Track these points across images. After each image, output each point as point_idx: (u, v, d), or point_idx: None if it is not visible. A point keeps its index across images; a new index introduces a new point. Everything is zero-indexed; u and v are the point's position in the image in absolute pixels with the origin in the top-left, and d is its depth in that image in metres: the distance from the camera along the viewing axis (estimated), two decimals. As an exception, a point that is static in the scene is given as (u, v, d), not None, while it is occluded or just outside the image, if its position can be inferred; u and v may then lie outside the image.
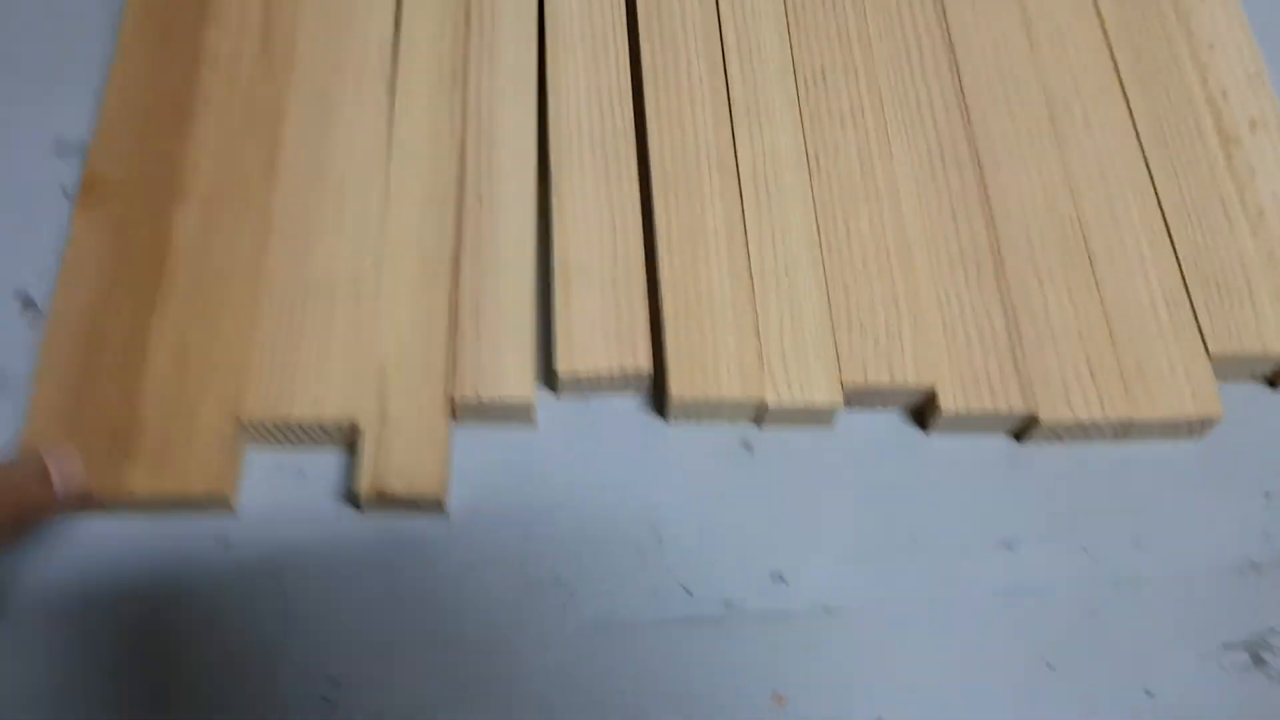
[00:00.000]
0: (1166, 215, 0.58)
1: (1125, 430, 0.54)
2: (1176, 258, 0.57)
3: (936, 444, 0.54)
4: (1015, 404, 0.53)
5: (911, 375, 0.53)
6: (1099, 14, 0.63)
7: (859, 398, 0.54)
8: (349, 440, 0.53)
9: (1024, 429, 0.54)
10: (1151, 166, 0.59)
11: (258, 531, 0.51)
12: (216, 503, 0.50)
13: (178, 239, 0.55)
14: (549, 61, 0.60)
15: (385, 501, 0.50)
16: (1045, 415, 0.53)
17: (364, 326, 0.53)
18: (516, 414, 0.53)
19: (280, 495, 0.52)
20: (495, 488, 0.52)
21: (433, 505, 0.51)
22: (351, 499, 0.51)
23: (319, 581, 0.50)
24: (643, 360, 0.53)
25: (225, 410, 0.51)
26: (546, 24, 0.61)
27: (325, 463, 0.53)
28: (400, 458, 0.51)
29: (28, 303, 0.55)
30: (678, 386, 0.53)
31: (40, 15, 0.63)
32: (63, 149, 0.58)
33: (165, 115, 0.58)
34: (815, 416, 0.54)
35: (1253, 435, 0.55)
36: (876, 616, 0.50)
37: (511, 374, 0.53)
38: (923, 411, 0.55)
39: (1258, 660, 0.50)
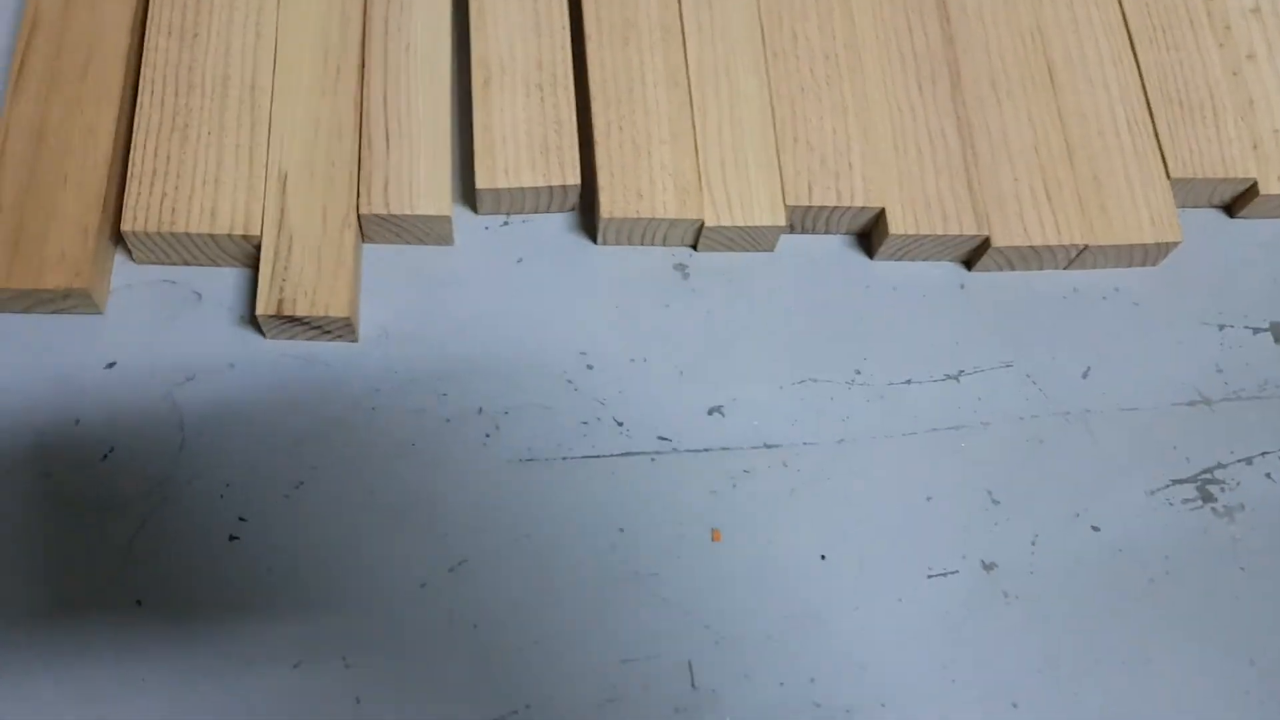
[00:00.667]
0: (1131, 28, 0.53)
1: (1080, 256, 0.50)
2: (1139, 73, 0.53)
3: (883, 270, 0.50)
4: (968, 227, 0.49)
5: (860, 196, 0.49)
6: None
7: (803, 220, 0.50)
8: (248, 257, 0.47)
9: (974, 255, 0.50)
10: (1116, -26, 0.54)
11: (147, 355, 0.45)
12: (79, 300, 0.45)
13: (32, 11, 0.48)
14: None
15: (289, 323, 0.45)
16: (998, 239, 0.49)
17: (260, 129, 0.47)
18: (433, 231, 0.48)
19: (175, 317, 0.46)
20: (410, 312, 0.47)
21: (342, 328, 0.46)
22: (254, 321, 0.46)
23: (220, 410, 0.45)
24: (570, 175, 0.48)
25: (88, 203, 0.45)
26: None
27: (224, 281, 0.47)
28: (304, 275, 0.45)
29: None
30: (608, 206, 0.48)
31: None
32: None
33: None
34: (756, 239, 0.49)
35: (1208, 264, 0.52)
36: (817, 451, 0.47)
37: (426, 187, 0.47)
38: (869, 235, 0.51)
39: (1206, 496, 0.47)
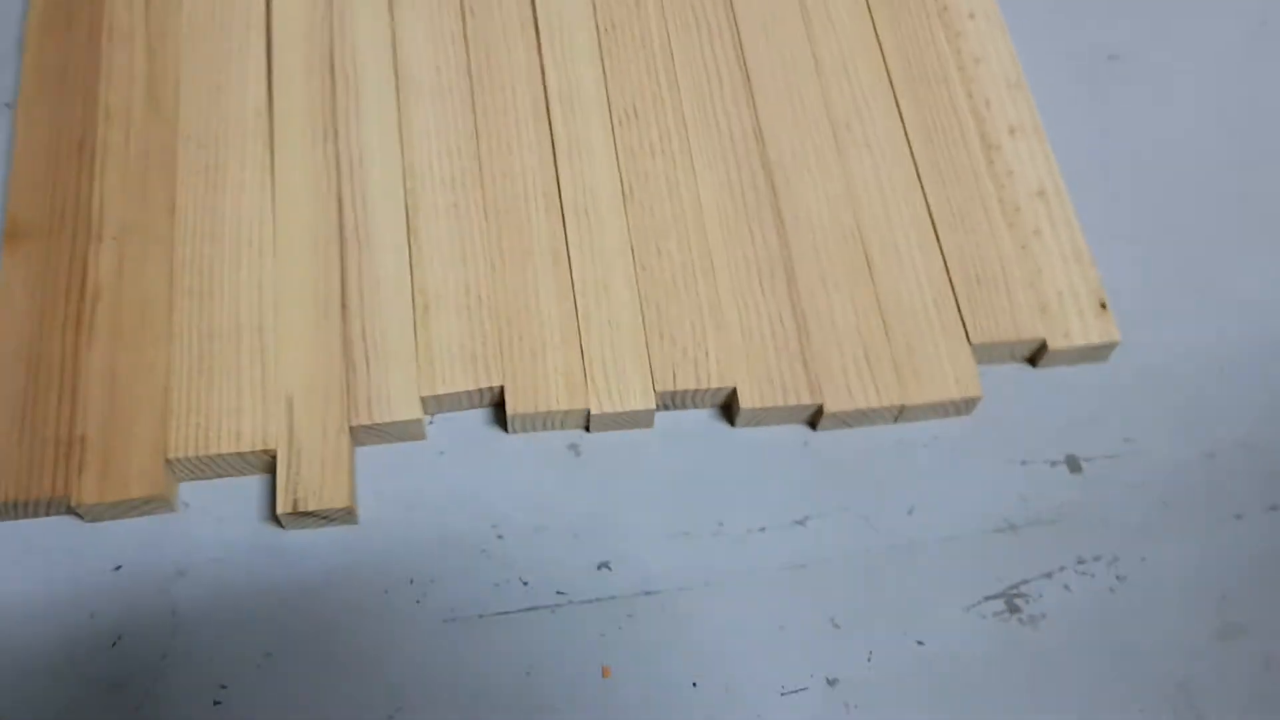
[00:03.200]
0: (934, 218, 0.60)
1: (902, 412, 0.56)
2: (943, 256, 0.59)
3: (742, 436, 0.57)
4: (804, 398, 0.55)
5: (715, 379, 0.55)
6: (877, 37, 0.65)
7: (672, 400, 0.56)
8: (267, 466, 0.54)
9: (815, 417, 0.56)
10: (922, 175, 0.61)
11: (154, 553, 0.52)
12: (158, 504, 0.52)
13: (95, 276, 0.56)
14: (402, 112, 0.60)
15: (303, 517, 0.52)
16: (830, 406, 0.55)
17: (269, 364, 0.55)
18: (408, 432, 0.55)
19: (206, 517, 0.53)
20: (378, 500, 0.54)
21: (344, 515, 0.52)
22: (274, 517, 0.53)
23: (208, 595, 0.51)
24: (495, 378, 0.55)
25: (155, 425, 0.53)
26: (399, 79, 0.61)
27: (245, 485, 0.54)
28: (311, 477, 0.52)
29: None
30: (513, 403, 0.54)
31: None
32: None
33: (71, 162, 0.58)
34: (635, 420, 0.56)
35: (1013, 410, 0.58)
36: (689, 594, 0.53)
37: (398, 397, 0.54)
38: (729, 407, 0.57)
39: (1013, 608, 0.53)
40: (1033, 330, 0.57)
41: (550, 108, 0.61)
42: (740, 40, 0.64)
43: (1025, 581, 0.54)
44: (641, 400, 0.55)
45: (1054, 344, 0.57)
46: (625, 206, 0.59)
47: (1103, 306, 0.58)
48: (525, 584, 0.52)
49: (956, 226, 0.60)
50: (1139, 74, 0.68)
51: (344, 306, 0.56)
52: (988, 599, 0.53)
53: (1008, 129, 0.63)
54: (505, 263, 0.57)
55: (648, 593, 0.53)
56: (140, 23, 0.62)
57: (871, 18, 0.65)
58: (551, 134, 0.61)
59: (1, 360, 0.54)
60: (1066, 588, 0.54)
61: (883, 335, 0.57)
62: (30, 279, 0.55)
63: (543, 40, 0.63)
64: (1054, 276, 0.59)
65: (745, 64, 0.63)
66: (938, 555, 0.54)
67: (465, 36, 0.63)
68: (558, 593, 0.52)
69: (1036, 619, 0.53)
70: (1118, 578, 0.54)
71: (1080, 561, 0.54)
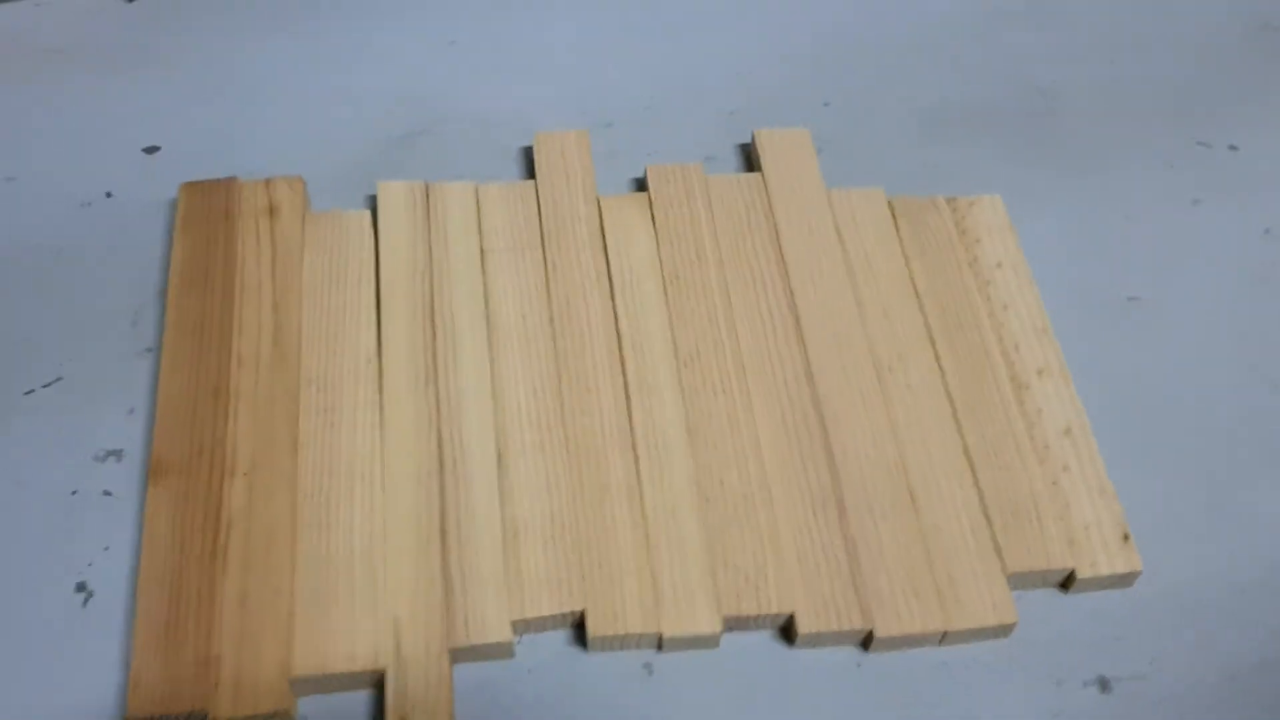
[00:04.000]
0: (970, 454, 0.66)
1: (945, 637, 0.62)
2: (979, 490, 0.65)
3: (799, 656, 0.62)
4: (856, 622, 0.61)
5: (774, 604, 0.61)
6: (914, 286, 0.73)
7: (736, 624, 0.62)
8: (377, 682, 0.60)
9: (867, 640, 0.62)
10: (959, 413, 0.68)
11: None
12: (282, 718, 0.58)
13: (228, 508, 0.63)
14: (493, 356, 0.69)
15: None
16: (880, 631, 0.61)
17: (378, 590, 0.61)
18: (499, 651, 0.61)
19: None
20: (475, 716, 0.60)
21: None
22: None
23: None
24: (578, 603, 0.61)
25: (281, 645, 0.59)
26: (490, 325, 0.70)
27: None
28: (416, 696, 0.58)
29: (80, 586, 0.63)
30: (593, 626, 0.61)
31: (80, 343, 0.71)
32: (101, 457, 0.67)
33: (207, 405, 0.67)
34: (703, 641, 0.62)
35: (1046, 633, 0.63)
36: (754, 807, 0.58)
37: (491, 620, 0.61)
38: (788, 629, 0.63)
39: (1052, 823, 0.58)
40: (1063, 560, 0.63)
41: (623, 352, 0.69)
42: (791, 290, 0.72)
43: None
44: (708, 624, 0.61)
45: (1082, 573, 0.63)
46: (691, 442, 0.66)
47: (1125, 538, 0.64)
48: (606, 799, 0.58)
49: (991, 462, 0.66)
50: (1156, 312, 0.75)
51: (443, 535, 0.63)
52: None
53: (1036, 370, 0.70)
54: (584, 495, 0.65)
55: (716, 806, 0.58)
56: (268, 279, 0.71)
57: (909, 268, 0.73)
58: (625, 375, 0.69)
59: (147, 585, 0.61)
60: (1102, 805, 0.58)
61: (926, 564, 0.63)
62: (172, 511, 0.63)
63: (615, 289, 0.71)
64: (1081, 510, 0.65)
65: (796, 311, 0.71)
66: (981, 772, 0.59)
67: (547, 288, 0.72)
68: (633, 806, 0.58)
69: (1074, 835, 0.57)
70: (1150, 795, 0.59)
71: (1114, 780, 0.59)
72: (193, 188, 0.75)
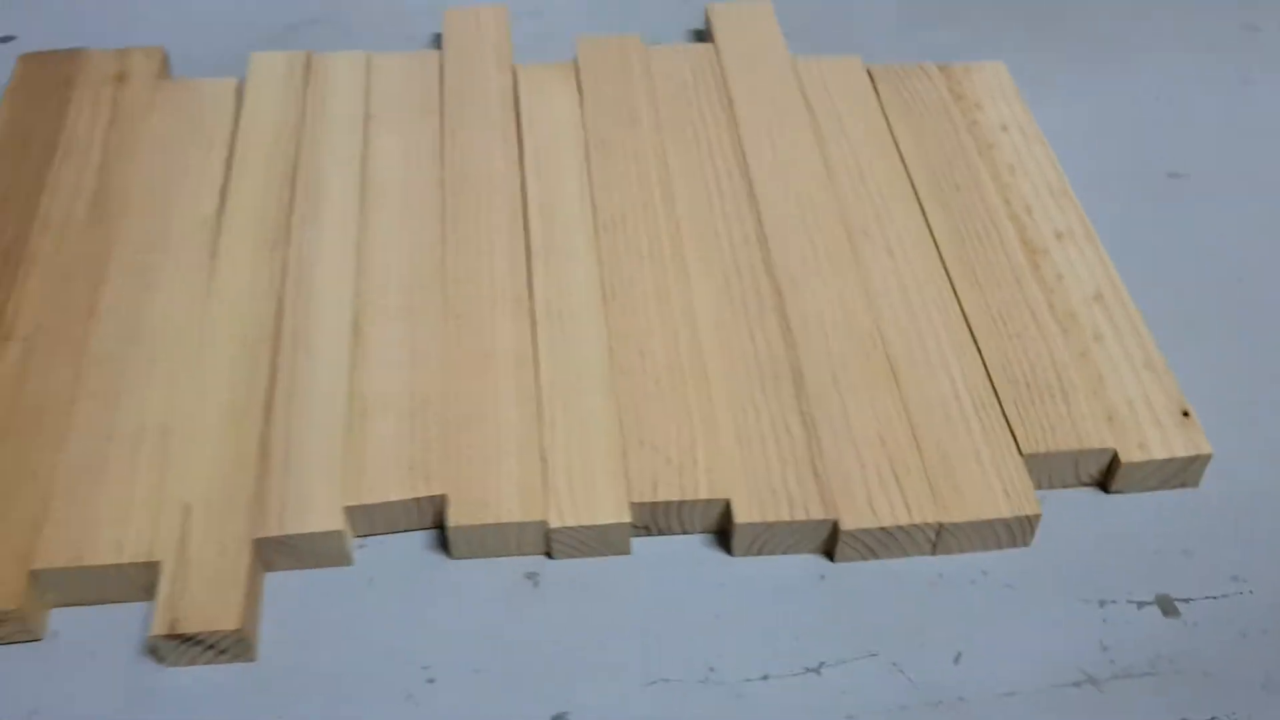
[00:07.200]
0: (970, 323, 0.51)
1: (939, 538, 0.45)
2: (983, 362, 0.50)
3: (741, 566, 0.46)
4: (815, 512, 0.45)
5: (704, 489, 0.46)
6: (897, 146, 0.59)
7: (653, 519, 0.46)
8: (153, 589, 0.44)
9: (831, 543, 0.46)
10: (954, 280, 0.53)
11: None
12: (18, 626, 0.43)
13: None
14: (364, 220, 0.55)
15: (185, 646, 0.42)
16: (848, 523, 0.45)
17: (170, 470, 0.47)
18: (327, 550, 0.45)
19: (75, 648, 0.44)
20: (285, 633, 0.44)
21: (236, 644, 0.43)
22: (151, 649, 0.43)
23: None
24: (435, 487, 0.46)
25: (26, 531, 0.45)
26: (365, 188, 0.57)
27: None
28: (199, 595, 0.43)
29: None
30: (455, 515, 0.45)
31: None
32: None
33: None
34: (607, 541, 0.46)
35: (1085, 542, 0.47)
36: (665, 753, 0.40)
37: (317, 507, 0.45)
38: (726, 532, 0.46)
39: (1100, 781, 0.40)
40: (1099, 439, 0.47)
41: (528, 216, 0.55)
42: (744, 152, 0.58)
43: (1104, 748, 0.41)
44: (613, 513, 0.45)
45: (1128, 457, 0.47)
46: (605, 310, 0.52)
47: (1185, 414, 0.48)
48: (451, 737, 0.41)
49: (998, 331, 0.51)
50: (1203, 187, 0.61)
51: (267, 410, 0.48)
52: (1065, 771, 0.40)
53: (1054, 234, 0.55)
54: (460, 366, 0.50)
55: (611, 751, 0.41)
56: (99, 142, 0.59)
57: (890, 130, 0.60)
58: (528, 240, 0.54)
59: None
60: (1173, 757, 0.40)
61: (912, 445, 0.47)
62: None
63: (525, 155, 0.58)
64: (1120, 384, 0.49)
65: (749, 174, 0.57)
66: (995, 715, 0.41)
67: (441, 154, 0.58)
68: (493, 749, 0.41)
69: (1135, 797, 0.39)
70: (1240, 746, 0.41)
71: (1188, 725, 0.41)
72: (31, 58, 0.64)
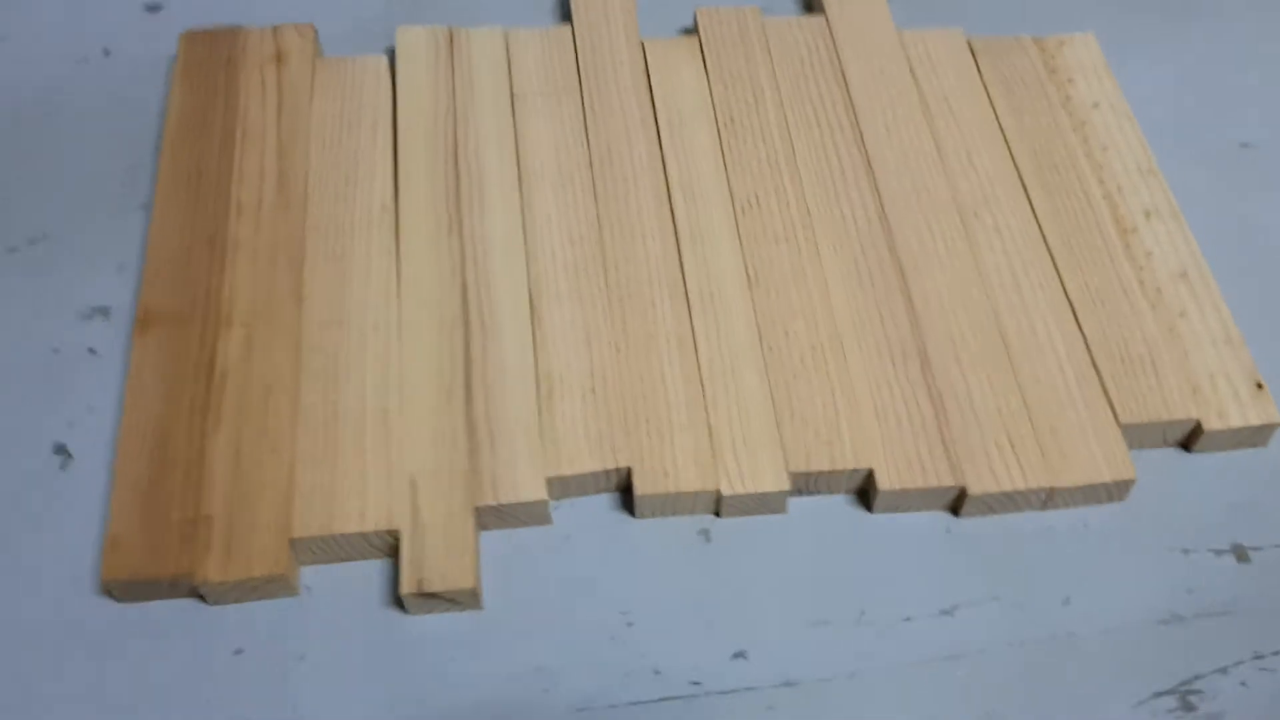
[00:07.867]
0: (1072, 301, 0.59)
1: (1049, 497, 0.54)
2: (1084, 338, 0.57)
3: (880, 522, 0.54)
4: (945, 479, 0.53)
5: (850, 459, 0.54)
6: (1001, 128, 0.65)
7: (805, 483, 0.54)
8: (390, 549, 0.53)
9: (958, 503, 0.54)
10: (1056, 259, 0.60)
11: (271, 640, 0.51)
12: (279, 585, 0.51)
13: (222, 361, 0.56)
14: (525, 202, 0.61)
15: (427, 599, 0.51)
16: (974, 488, 0.53)
17: (393, 446, 0.54)
18: (533, 515, 0.54)
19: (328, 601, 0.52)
20: (504, 586, 0.52)
21: (468, 597, 0.51)
22: (397, 602, 0.52)
23: (336, 677, 0.50)
24: (622, 460, 0.54)
25: (280, 504, 0.52)
26: (522, 170, 0.63)
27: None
28: (436, 558, 0.51)
29: (59, 449, 0.56)
30: (641, 484, 0.53)
31: (70, 199, 0.65)
32: (87, 314, 0.60)
33: (202, 255, 0.60)
34: (767, 504, 0.54)
35: (1170, 497, 0.55)
36: (832, 686, 0.50)
37: (524, 480, 0.53)
38: (866, 493, 0.55)
39: (1187, 706, 0.49)
40: (1185, 410, 0.55)
41: (672, 198, 0.62)
42: (861, 133, 0.64)
43: (1199, 677, 0.50)
44: (774, 482, 0.53)
45: (1209, 425, 0.55)
46: (750, 291, 0.59)
47: (1259, 387, 0.56)
48: (658, 673, 0.50)
49: (1097, 309, 0.58)
50: (1273, 158, 0.67)
51: (468, 388, 0.56)
52: (1159, 695, 0.50)
53: (1143, 212, 0.62)
54: (629, 347, 0.57)
55: (788, 684, 0.50)
56: (272, 126, 0.64)
57: (994, 109, 0.65)
58: (674, 223, 0.61)
59: (128, 440, 0.54)
60: (1244, 684, 0.50)
61: (1025, 417, 0.55)
62: (160, 363, 0.56)
63: (662, 134, 0.64)
64: (1203, 358, 0.57)
65: (867, 154, 0.63)
66: (1100, 648, 0.51)
67: (586, 133, 0.64)
68: (692, 683, 0.50)
69: (1214, 717, 0.49)
70: (1301, 674, 0.50)
71: (1258, 656, 0.50)
72: (194, 37, 0.68)
